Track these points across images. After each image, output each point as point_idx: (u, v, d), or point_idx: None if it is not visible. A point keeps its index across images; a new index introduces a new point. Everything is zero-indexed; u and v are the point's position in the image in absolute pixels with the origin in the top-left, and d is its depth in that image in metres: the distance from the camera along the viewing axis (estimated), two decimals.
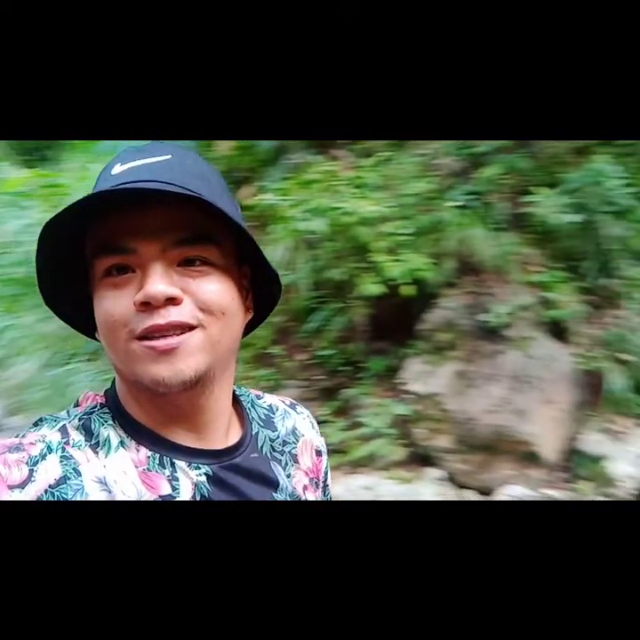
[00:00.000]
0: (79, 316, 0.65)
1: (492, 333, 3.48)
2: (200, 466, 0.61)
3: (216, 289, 0.58)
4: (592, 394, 3.48)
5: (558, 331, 3.56)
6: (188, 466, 0.61)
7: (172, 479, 0.60)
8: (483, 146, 4.07)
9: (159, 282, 0.55)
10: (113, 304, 0.57)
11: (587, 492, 3.17)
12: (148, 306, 0.55)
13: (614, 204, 3.56)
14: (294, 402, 0.80)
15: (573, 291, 3.61)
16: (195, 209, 0.55)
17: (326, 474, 0.78)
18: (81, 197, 0.54)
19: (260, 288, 0.66)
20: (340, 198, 3.30)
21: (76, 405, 0.66)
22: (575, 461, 3.32)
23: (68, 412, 0.64)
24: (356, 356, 3.93)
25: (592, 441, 3.34)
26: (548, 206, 3.51)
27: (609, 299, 3.68)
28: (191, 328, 0.57)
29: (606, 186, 3.49)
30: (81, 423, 0.61)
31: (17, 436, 0.59)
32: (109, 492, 0.56)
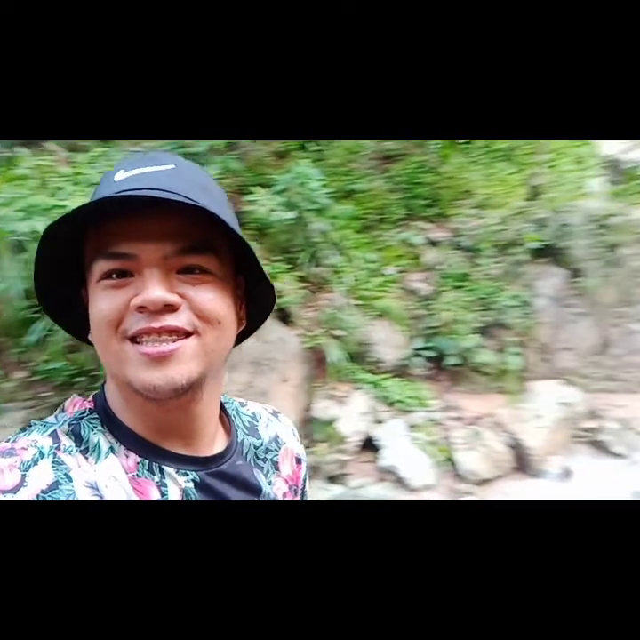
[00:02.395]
0: (72, 317, 0.64)
1: None
2: (188, 472, 0.62)
3: (214, 297, 0.58)
4: (317, 367, 4.01)
5: (285, 316, 3.98)
6: (177, 472, 0.61)
7: (161, 485, 0.60)
8: (198, 146, 4.22)
9: (158, 288, 0.55)
10: (109, 304, 0.56)
11: (324, 452, 3.66)
12: (144, 309, 0.55)
13: (316, 202, 4.13)
14: (276, 410, 0.82)
15: (292, 279, 4.07)
16: (197, 218, 0.56)
17: (305, 481, 0.79)
18: (85, 203, 0.53)
19: (253, 299, 0.67)
20: (62, 196, 3.04)
21: (63, 410, 0.63)
22: (312, 428, 3.79)
23: (55, 417, 0.62)
24: (88, 364, 3.67)
25: (322, 408, 3.87)
26: (264, 205, 3.87)
27: (320, 284, 4.27)
28: (187, 334, 0.57)
29: (309, 186, 4.02)
30: (70, 429, 0.60)
31: (8, 441, 0.57)
32: (100, 497, 0.55)
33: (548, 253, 4.76)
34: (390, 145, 5.52)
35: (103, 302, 0.57)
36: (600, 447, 3.96)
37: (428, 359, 4.38)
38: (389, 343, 4.36)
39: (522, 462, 3.85)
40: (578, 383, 4.48)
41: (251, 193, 3.98)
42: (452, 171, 5.44)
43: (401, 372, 4.30)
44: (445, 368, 4.38)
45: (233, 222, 0.59)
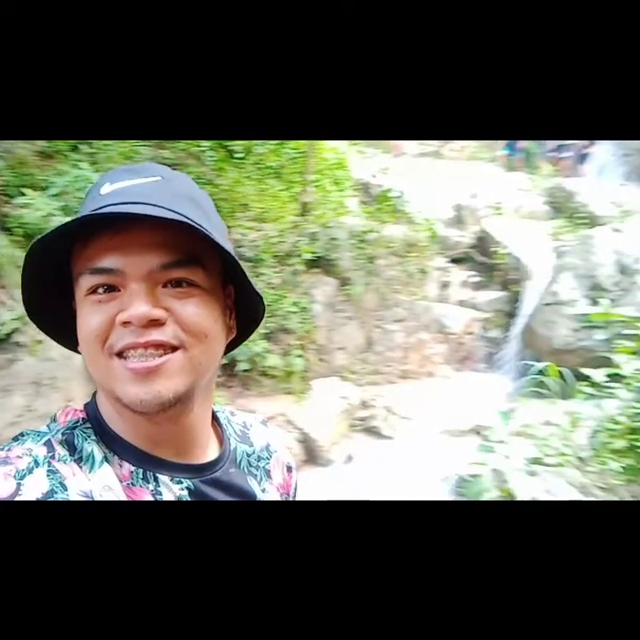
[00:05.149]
0: (62, 330, 0.64)
1: (1, 342, 3.25)
2: (182, 480, 0.62)
3: (200, 311, 0.58)
4: None
5: None
6: (171, 480, 0.61)
7: (156, 493, 0.60)
8: None
9: (143, 303, 0.55)
10: (96, 320, 0.56)
11: None
12: (130, 325, 0.55)
13: None
14: (265, 419, 0.81)
15: None
16: (182, 231, 0.56)
17: (295, 490, 0.80)
18: (70, 219, 0.53)
19: (243, 308, 0.67)
20: None
21: (54, 420, 0.62)
22: None
23: (48, 426, 0.61)
24: None
25: None
26: (39, 208, 3.52)
27: None
28: (174, 349, 0.57)
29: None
30: (64, 438, 0.59)
31: (1, 449, 0.56)
32: None
33: (321, 264, 5.27)
34: (166, 153, 5.47)
35: (90, 317, 0.57)
36: (373, 432, 4.54)
37: (220, 366, 4.46)
38: None
39: (311, 454, 4.19)
40: (350, 378, 5.05)
41: (20, 194, 3.58)
42: (229, 184, 5.63)
43: None
44: (236, 374, 4.52)
45: (220, 234, 0.61)
